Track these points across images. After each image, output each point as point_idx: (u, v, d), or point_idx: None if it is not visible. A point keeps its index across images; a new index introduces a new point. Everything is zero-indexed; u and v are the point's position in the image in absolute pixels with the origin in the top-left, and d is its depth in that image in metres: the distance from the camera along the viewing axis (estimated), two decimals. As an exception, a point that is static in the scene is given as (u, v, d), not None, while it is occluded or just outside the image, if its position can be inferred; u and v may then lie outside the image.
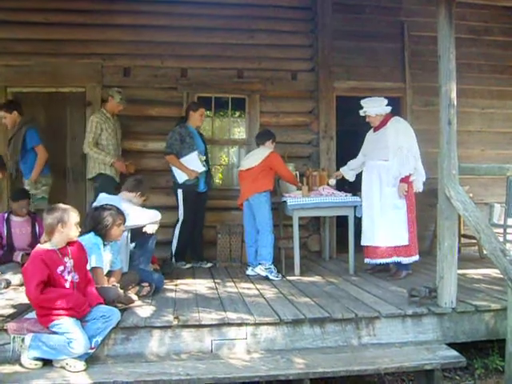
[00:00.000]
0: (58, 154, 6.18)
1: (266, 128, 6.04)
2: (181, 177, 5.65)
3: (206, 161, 5.88)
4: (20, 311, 3.67)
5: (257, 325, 3.56)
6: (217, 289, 4.60)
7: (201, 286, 4.74)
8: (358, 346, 3.64)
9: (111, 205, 4.03)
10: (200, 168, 5.66)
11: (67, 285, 3.30)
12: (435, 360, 3.40)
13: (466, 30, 6.90)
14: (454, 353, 3.51)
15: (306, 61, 6.75)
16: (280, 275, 5.11)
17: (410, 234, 4.92)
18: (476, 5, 6.20)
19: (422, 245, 6.34)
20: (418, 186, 5.05)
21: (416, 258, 4.98)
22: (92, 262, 3.69)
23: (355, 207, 5.31)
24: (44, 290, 3.20)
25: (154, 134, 6.31)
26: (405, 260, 4.95)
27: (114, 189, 5.25)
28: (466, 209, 3.66)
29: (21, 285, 4.29)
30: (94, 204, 4.34)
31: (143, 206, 4.68)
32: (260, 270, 5.10)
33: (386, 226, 4.94)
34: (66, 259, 3.32)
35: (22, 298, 3.79)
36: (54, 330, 3.19)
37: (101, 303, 3.43)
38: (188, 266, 5.75)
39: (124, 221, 4.00)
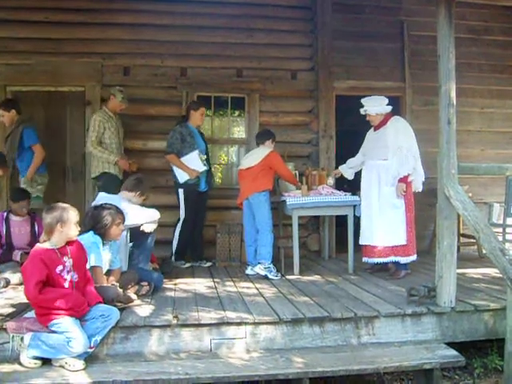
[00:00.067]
0: (57, 153, 6.20)
1: (266, 127, 6.05)
2: (182, 176, 5.65)
3: (207, 160, 5.88)
4: (19, 310, 3.67)
5: (256, 324, 3.56)
6: (216, 288, 4.59)
7: (200, 285, 4.74)
8: (358, 346, 3.64)
9: (111, 204, 4.03)
10: (201, 167, 5.66)
11: (66, 284, 3.30)
12: (434, 359, 3.40)
13: (466, 30, 6.91)
14: (453, 352, 3.51)
15: (306, 60, 6.75)
16: (279, 274, 5.11)
17: (408, 234, 4.92)
18: (476, 4, 6.22)
19: (421, 244, 6.36)
20: (417, 186, 5.05)
21: (414, 257, 4.99)
22: (91, 261, 3.69)
23: (354, 206, 5.32)
24: (43, 290, 3.20)
25: (154, 133, 6.31)
26: (403, 260, 4.95)
27: (118, 187, 5.24)
28: (466, 208, 3.66)
29: (20, 284, 4.28)
30: (94, 203, 4.33)
31: (143, 205, 4.68)
32: (259, 270, 5.10)
33: (384, 226, 4.94)
34: (65, 259, 3.32)
35: (21, 297, 3.78)
36: (53, 329, 3.19)
37: (100, 302, 3.43)
38: (187, 265, 5.75)
39: (123, 220, 4.00)
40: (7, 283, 4.48)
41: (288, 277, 5.09)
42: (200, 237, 5.97)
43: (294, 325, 3.61)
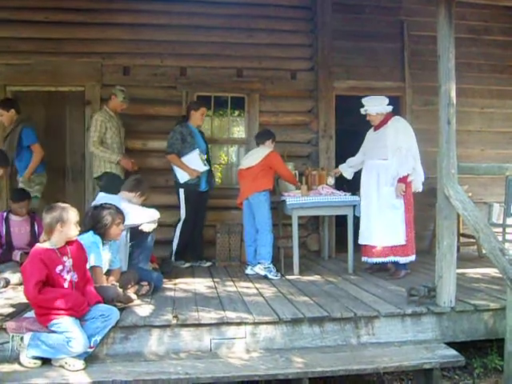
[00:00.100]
0: (57, 153, 6.20)
1: (266, 127, 6.05)
2: (182, 176, 5.65)
3: (208, 160, 5.87)
4: (19, 310, 3.67)
5: (256, 324, 3.56)
6: (216, 288, 4.59)
7: (200, 285, 4.74)
8: (357, 345, 3.64)
9: (110, 204, 4.03)
10: (201, 167, 5.66)
11: (66, 284, 3.30)
12: (434, 359, 3.40)
13: (466, 30, 6.91)
14: (453, 352, 3.51)
15: (306, 60, 6.75)
16: (279, 274, 5.11)
17: (407, 234, 4.92)
18: (476, 4, 6.21)
19: (421, 244, 6.37)
20: (417, 186, 5.05)
21: (413, 257, 4.99)
22: (91, 261, 3.69)
23: (354, 206, 5.32)
24: (42, 290, 3.20)
25: (154, 133, 6.31)
26: (402, 260, 4.95)
27: (120, 187, 5.23)
28: (465, 208, 3.66)
29: (20, 284, 4.28)
30: (93, 203, 4.33)
31: (143, 205, 4.68)
32: (259, 270, 5.10)
33: (383, 226, 4.94)
34: (65, 258, 3.32)
35: (20, 297, 3.78)
36: (53, 329, 3.19)
37: (100, 302, 3.43)
38: (187, 265, 5.75)
39: (123, 220, 4.00)
40: (7, 283, 4.48)
41: (288, 277, 5.09)
42: (200, 237, 5.97)
43: (294, 325, 3.61)
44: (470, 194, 5.59)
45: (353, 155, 5.54)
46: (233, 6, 6.37)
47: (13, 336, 3.27)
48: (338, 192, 5.45)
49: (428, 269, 5.22)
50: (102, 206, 3.96)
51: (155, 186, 5.93)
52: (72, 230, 3.36)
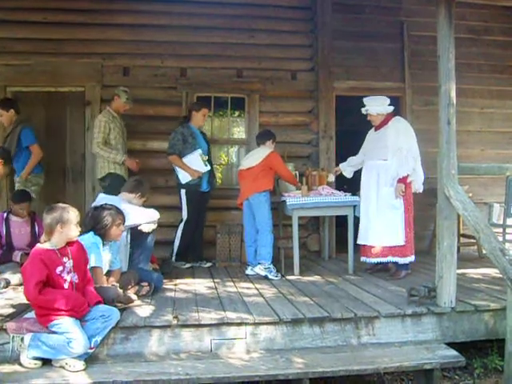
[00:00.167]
0: (57, 154, 6.21)
1: (266, 128, 6.04)
2: (184, 177, 5.65)
3: (209, 160, 5.87)
4: (19, 311, 3.67)
5: (256, 324, 3.56)
6: (216, 288, 4.59)
7: (200, 285, 4.74)
8: (358, 346, 3.64)
9: (111, 204, 4.03)
10: (202, 168, 5.66)
11: (66, 285, 3.30)
12: (434, 359, 3.40)
13: (466, 30, 6.91)
14: (454, 352, 3.51)
15: (306, 61, 6.75)
16: (279, 275, 5.11)
17: (406, 235, 4.92)
18: (476, 5, 6.22)
19: (421, 244, 6.38)
20: (418, 187, 5.04)
21: (412, 258, 4.98)
22: (91, 262, 3.69)
23: (354, 207, 5.32)
24: (43, 291, 3.20)
25: (154, 133, 6.31)
26: (400, 260, 4.95)
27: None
28: (466, 208, 3.66)
29: (20, 284, 4.28)
30: (94, 204, 4.33)
31: (143, 206, 4.68)
32: (259, 270, 5.10)
33: (382, 226, 4.94)
34: (65, 259, 3.32)
35: (21, 297, 3.77)
36: (53, 329, 3.19)
37: (100, 302, 3.43)
38: (187, 265, 5.75)
39: (123, 221, 4.00)
40: (7, 284, 4.48)
41: (288, 277, 5.09)
42: (200, 237, 5.97)
43: (294, 325, 3.61)
44: (470, 195, 5.59)
45: (353, 156, 5.54)
46: (232, 6, 6.38)
47: (13, 337, 3.27)
48: (338, 192, 5.45)
49: (428, 269, 5.22)
50: (103, 207, 3.96)
51: (155, 186, 5.94)
52: (72, 231, 3.36)
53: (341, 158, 6.06)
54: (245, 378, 3.18)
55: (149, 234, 4.57)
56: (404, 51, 6.87)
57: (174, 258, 5.68)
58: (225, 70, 6.56)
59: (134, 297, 3.96)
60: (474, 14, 6.95)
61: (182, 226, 5.69)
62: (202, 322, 3.51)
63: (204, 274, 5.41)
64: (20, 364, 3.18)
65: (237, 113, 7.08)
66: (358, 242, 5.17)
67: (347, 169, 5.57)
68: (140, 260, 4.60)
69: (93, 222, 3.88)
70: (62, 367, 3.15)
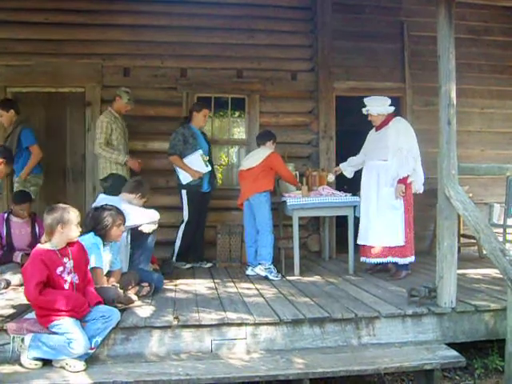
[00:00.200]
0: (57, 154, 6.21)
1: (266, 128, 6.04)
2: (185, 177, 5.65)
3: (210, 161, 5.87)
4: (20, 311, 3.67)
5: (256, 325, 3.56)
6: (216, 289, 4.59)
7: (200, 286, 4.74)
8: (358, 346, 3.64)
9: (111, 205, 4.03)
10: (203, 168, 5.66)
11: (66, 286, 3.30)
12: (435, 360, 3.40)
13: (466, 30, 6.91)
14: (454, 353, 3.51)
15: (306, 61, 6.75)
16: (280, 275, 5.11)
17: (406, 235, 4.92)
18: (476, 5, 6.21)
19: (421, 245, 6.38)
20: (417, 188, 5.04)
21: (411, 259, 4.98)
22: (91, 262, 3.69)
23: (355, 207, 5.32)
24: (43, 291, 3.20)
25: (154, 133, 6.32)
26: (400, 261, 4.95)
27: None
28: (466, 208, 3.66)
29: (20, 285, 4.28)
30: (94, 204, 4.34)
31: (144, 206, 4.68)
32: (260, 270, 5.10)
33: (381, 226, 4.94)
34: (66, 260, 3.32)
35: (21, 298, 3.77)
36: (53, 330, 3.19)
37: (100, 303, 3.43)
38: (188, 266, 5.75)
39: (124, 221, 4.00)
40: (8, 284, 4.48)
41: (288, 277, 5.09)
42: (201, 238, 5.97)
43: (295, 325, 3.61)
44: (470, 195, 5.59)
45: (353, 156, 5.54)
46: (232, 7, 6.38)
47: (13, 337, 3.27)
48: (338, 193, 5.45)
49: (428, 269, 5.22)
50: (103, 208, 3.96)
51: (156, 186, 5.94)
52: (73, 231, 3.37)
53: (341, 158, 6.06)
54: (245, 379, 3.18)
55: (149, 234, 4.57)
56: (404, 51, 6.87)
57: (174, 259, 5.68)
58: (225, 71, 6.56)
59: (135, 297, 3.96)
60: (474, 14, 6.95)
61: (183, 226, 5.68)
62: (203, 323, 3.52)
63: (204, 274, 5.41)
64: (20, 364, 3.18)
65: (237, 113, 7.09)
66: (358, 242, 5.18)
67: (348, 169, 5.57)
68: (140, 260, 4.60)
69: (93, 223, 3.88)
70: (63, 368, 3.15)
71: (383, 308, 3.81)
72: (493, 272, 5.02)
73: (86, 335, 3.19)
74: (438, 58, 3.83)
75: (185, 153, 5.64)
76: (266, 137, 5.57)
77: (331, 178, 5.74)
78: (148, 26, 6.36)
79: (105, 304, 3.47)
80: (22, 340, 3.22)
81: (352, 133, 7.15)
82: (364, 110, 5.13)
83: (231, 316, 3.60)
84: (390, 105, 5.10)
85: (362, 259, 5.17)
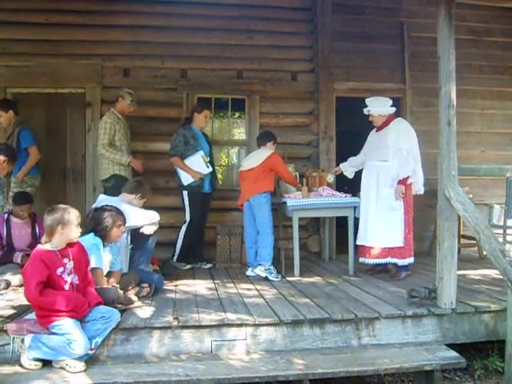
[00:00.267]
0: (57, 155, 6.22)
1: (267, 129, 6.04)
2: (186, 178, 5.65)
3: (211, 162, 5.87)
4: (20, 312, 3.66)
5: (256, 326, 3.56)
6: (216, 290, 4.59)
7: (200, 286, 4.74)
8: (358, 347, 3.64)
9: (111, 206, 4.03)
10: (204, 169, 5.66)
11: (66, 287, 3.30)
12: (435, 361, 3.40)
13: (466, 31, 6.91)
14: (454, 354, 3.51)
15: (306, 62, 6.75)
16: (280, 276, 5.11)
17: (405, 236, 4.91)
18: (476, 6, 6.20)
19: (421, 246, 6.39)
20: (417, 189, 5.03)
21: (411, 260, 4.97)
22: (92, 263, 3.68)
23: (355, 208, 5.31)
24: (43, 292, 3.19)
25: (154, 134, 6.32)
26: (399, 262, 4.94)
27: None
28: (466, 210, 3.66)
29: (20, 285, 4.28)
30: (94, 205, 4.34)
31: (143, 207, 4.68)
32: (260, 271, 5.10)
33: (381, 227, 4.93)
34: (66, 260, 3.32)
35: (21, 298, 3.77)
36: (53, 330, 3.19)
37: (100, 303, 3.43)
38: (188, 266, 5.75)
39: (124, 222, 4.00)
40: (8, 285, 4.47)
41: (288, 278, 5.09)
42: (201, 238, 5.97)
43: (295, 326, 3.61)
44: (470, 196, 5.59)
45: (353, 156, 5.54)
46: (232, 7, 6.37)
47: (13, 338, 3.27)
48: (338, 193, 5.44)
49: (429, 270, 5.22)
50: (103, 208, 3.96)
51: (156, 187, 5.93)
52: (73, 232, 3.36)
53: (341, 158, 6.06)
54: (245, 379, 3.17)
55: (150, 235, 4.57)
56: (404, 52, 6.87)
57: (175, 259, 5.68)
58: (225, 71, 6.56)
59: (135, 298, 3.96)
60: (474, 15, 6.95)
61: (185, 227, 5.68)
62: (203, 323, 3.51)
63: (204, 275, 5.41)
64: (20, 365, 3.18)
65: (237, 114, 7.09)
66: (357, 242, 5.18)
67: (348, 169, 5.56)
68: (140, 261, 4.60)
69: (93, 223, 3.88)
70: (63, 368, 3.15)
71: (383, 309, 3.80)
72: (493, 273, 5.02)
73: (85, 336, 3.19)
74: (438, 59, 3.83)
75: (186, 154, 5.63)
76: (267, 137, 5.57)
77: (331, 178, 5.75)
78: (148, 26, 6.36)
79: (105, 305, 3.47)
80: (22, 340, 3.22)
81: (352, 133, 7.15)
82: (365, 111, 5.13)
83: (231, 317, 3.60)
84: (391, 106, 5.10)
85: (361, 260, 5.16)
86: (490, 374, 3.74)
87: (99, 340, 3.30)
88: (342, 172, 5.65)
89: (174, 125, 5.94)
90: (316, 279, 5.09)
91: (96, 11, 6.27)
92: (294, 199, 5.30)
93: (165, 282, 4.68)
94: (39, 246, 3.35)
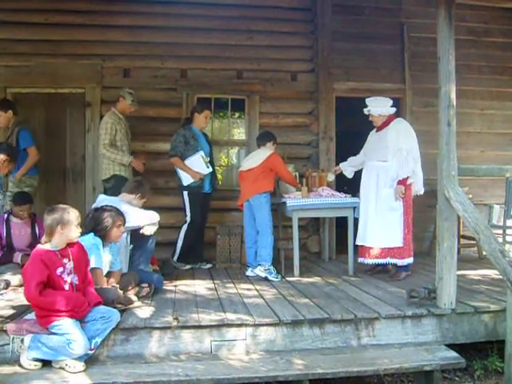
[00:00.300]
0: (57, 155, 6.22)
1: (266, 129, 6.05)
2: (186, 179, 5.65)
3: (211, 162, 5.86)
4: (19, 312, 3.66)
5: (256, 326, 3.56)
6: (216, 290, 4.59)
7: (200, 286, 4.74)
8: (358, 347, 3.64)
9: (111, 206, 4.03)
10: (204, 170, 5.65)
11: (66, 287, 3.29)
12: (434, 361, 3.40)
13: (466, 32, 6.92)
14: (454, 354, 3.51)
15: (306, 62, 6.76)
16: (279, 276, 5.11)
17: (404, 236, 4.91)
18: (476, 6, 6.20)
19: (421, 246, 6.39)
20: (417, 189, 5.03)
21: (410, 260, 4.97)
22: (91, 263, 3.68)
23: (355, 208, 5.32)
24: (43, 292, 3.19)
25: (154, 134, 6.32)
26: (399, 262, 4.94)
27: None
28: (466, 210, 3.66)
29: (20, 285, 4.27)
30: (94, 205, 4.34)
31: (143, 207, 4.68)
32: (259, 271, 5.09)
33: (380, 227, 4.93)
34: (66, 261, 3.32)
35: (21, 298, 3.76)
36: (53, 330, 3.19)
37: (100, 303, 3.42)
38: (188, 266, 5.75)
39: (124, 222, 4.00)
40: (7, 285, 4.47)
41: (288, 278, 5.09)
42: (201, 238, 5.97)
43: (294, 326, 3.61)
44: (470, 196, 5.59)
45: (353, 156, 5.54)
46: (232, 7, 6.38)
47: (13, 338, 3.27)
48: (338, 194, 5.44)
49: (428, 270, 5.22)
50: (103, 208, 3.97)
51: (155, 187, 5.94)
52: (73, 232, 3.36)
53: (341, 158, 6.06)
54: (245, 380, 3.17)
55: (150, 236, 4.57)
56: (404, 53, 6.87)
57: (175, 259, 5.68)
58: (225, 72, 6.57)
59: (134, 298, 3.97)
60: (474, 15, 6.95)
61: (185, 227, 5.67)
62: (202, 324, 3.51)
63: (204, 275, 5.40)
64: (20, 365, 3.18)
65: (237, 114, 7.09)
66: (357, 242, 5.17)
67: (348, 169, 5.56)
68: (140, 261, 4.60)
69: (93, 224, 3.88)
70: (62, 368, 3.15)
71: (383, 309, 3.80)
72: (492, 273, 5.02)
73: (85, 336, 3.19)
74: (437, 60, 3.83)
75: (186, 154, 5.63)
76: (266, 138, 5.57)
77: (331, 177, 5.75)
78: (147, 26, 6.36)
79: (104, 305, 3.47)
80: (22, 341, 3.22)
81: (352, 133, 7.15)
82: (365, 111, 5.13)
83: (231, 317, 3.60)
84: (391, 106, 5.10)
85: (360, 260, 5.16)
86: (490, 375, 3.74)
87: (99, 340, 3.30)
88: (341, 172, 5.66)
89: (174, 125, 5.95)
90: (316, 279, 5.09)
91: (96, 11, 6.28)
92: (294, 199, 5.31)
93: (164, 282, 4.68)
94: (39, 246, 3.35)
